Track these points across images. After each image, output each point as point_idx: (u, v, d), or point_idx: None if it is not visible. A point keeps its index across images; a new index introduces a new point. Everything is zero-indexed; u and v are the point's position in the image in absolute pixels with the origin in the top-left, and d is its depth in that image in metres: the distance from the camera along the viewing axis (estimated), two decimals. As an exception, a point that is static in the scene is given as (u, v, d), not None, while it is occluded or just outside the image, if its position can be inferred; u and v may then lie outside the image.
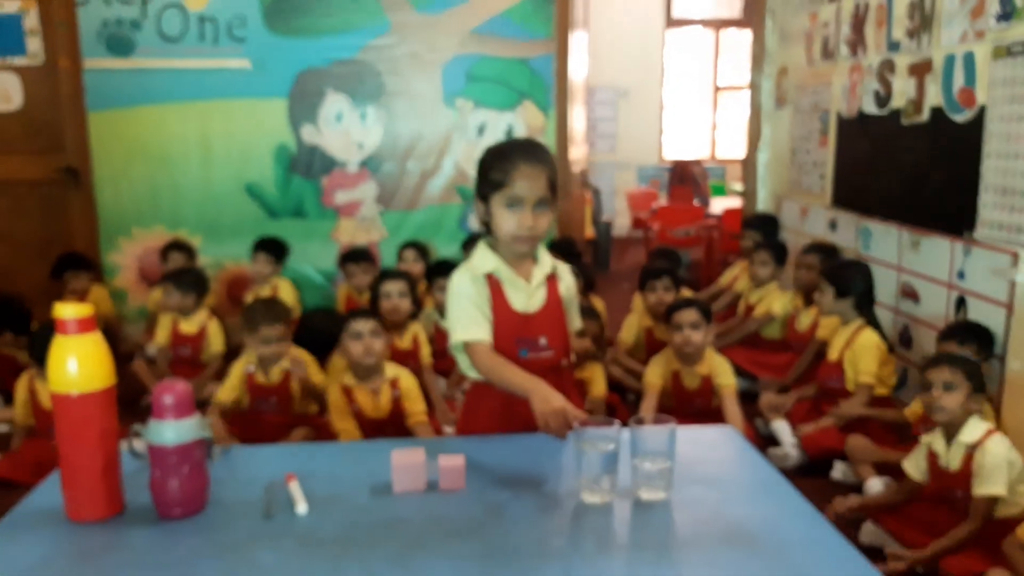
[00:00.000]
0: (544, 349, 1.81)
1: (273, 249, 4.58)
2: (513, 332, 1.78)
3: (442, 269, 3.97)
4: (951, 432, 2.38)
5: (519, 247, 1.79)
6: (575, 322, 1.97)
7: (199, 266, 4.60)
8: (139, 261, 4.94)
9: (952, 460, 2.38)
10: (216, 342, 4.13)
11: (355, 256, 4.57)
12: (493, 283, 1.80)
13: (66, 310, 1.34)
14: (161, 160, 4.83)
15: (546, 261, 1.85)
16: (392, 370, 3.05)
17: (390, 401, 3.00)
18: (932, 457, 2.44)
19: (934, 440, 2.44)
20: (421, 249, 4.63)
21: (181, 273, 4.20)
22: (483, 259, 1.81)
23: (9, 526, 1.36)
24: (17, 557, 1.26)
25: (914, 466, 2.50)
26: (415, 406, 3.03)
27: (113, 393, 1.39)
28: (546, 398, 1.56)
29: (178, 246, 4.69)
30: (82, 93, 4.72)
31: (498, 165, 1.76)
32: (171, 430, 1.35)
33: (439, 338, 3.86)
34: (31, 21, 4.71)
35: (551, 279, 1.86)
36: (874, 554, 2.50)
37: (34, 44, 4.74)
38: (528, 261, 1.84)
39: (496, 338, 1.78)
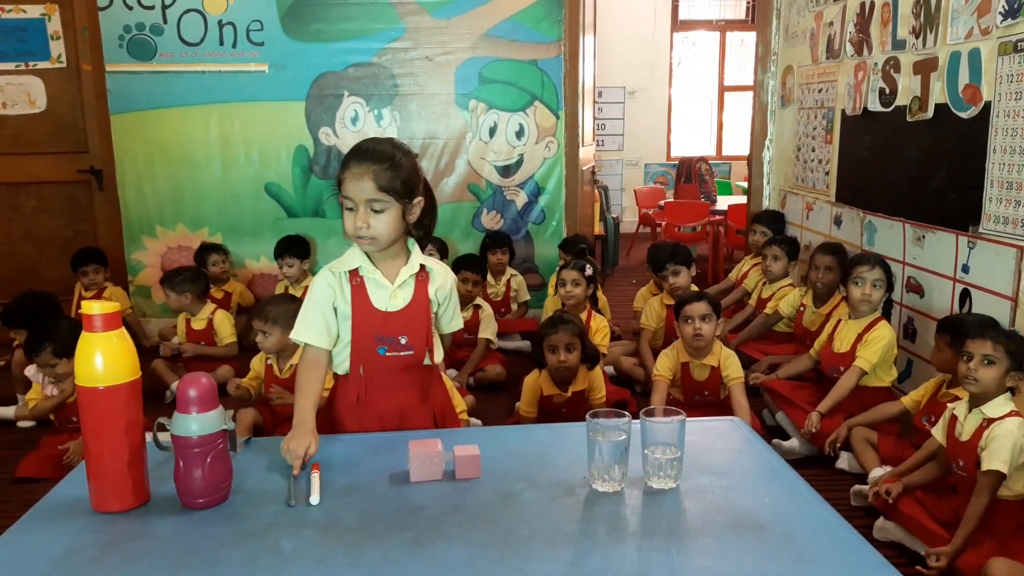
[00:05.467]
0: (404, 348, 1.81)
1: (296, 250, 4.68)
2: (372, 329, 1.80)
3: (464, 262, 4.36)
4: (977, 403, 2.36)
5: (361, 247, 1.80)
6: (453, 322, 1.98)
7: (195, 264, 4.68)
8: (162, 259, 5.04)
9: (966, 429, 2.37)
10: (224, 332, 4.19)
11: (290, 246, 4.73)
12: (357, 280, 1.81)
13: (92, 307, 1.37)
14: (182, 161, 4.91)
15: (415, 261, 1.84)
16: None
17: None
18: (952, 423, 2.43)
19: (958, 406, 2.43)
20: (439, 244, 4.72)
21: (173, 274, 4.27)
22: (351, 256, 1.83)
23: (35, 518, 1.38)
24: (44, 547, 1.28)
25: (941, 432, 2.48)
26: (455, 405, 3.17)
27: (138, 386, 1.42)
28: (292, 437, 1.60)
29: (211, 248, 4.82)
30: (105, 96, 4.80)
31: (341, 166, 1.77)
32: (195, 422, 1.38)
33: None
34: (54, 26, 4.80)
35: (420, 279, 1.85)
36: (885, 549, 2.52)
37: (57, 48, 4.83)
38: (398, 260, 1.84)
39: (355, 334, 1.80)
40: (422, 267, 1.86)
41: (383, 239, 1.76)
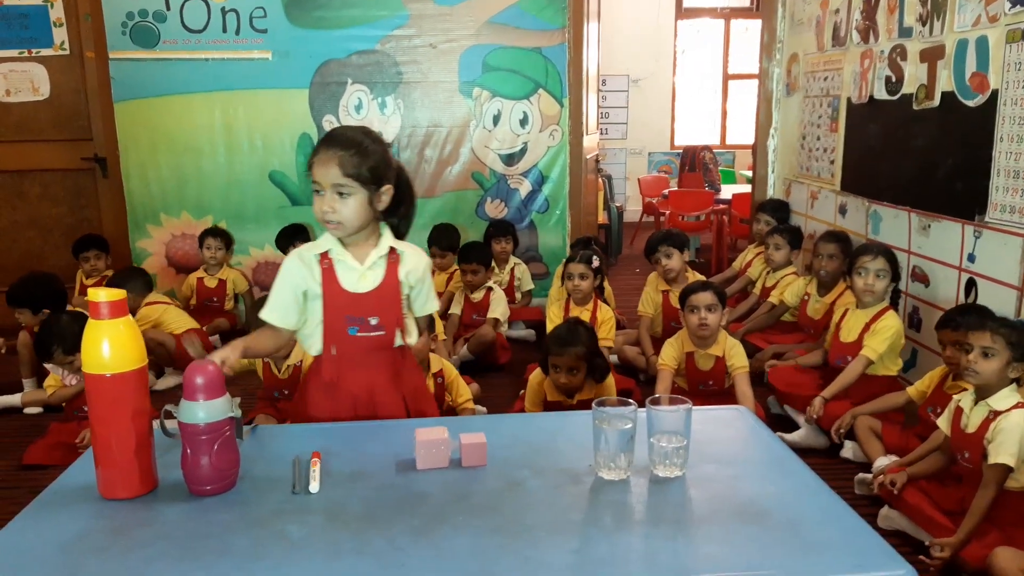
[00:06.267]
0: (375, 328, 1.86)
1: (304, 236, 4.66)
2: (342, 310, 1.84)
3: (469, 251, 4.41)
4: (982, 395, 2.34)
5: (329, 231, 1.84)
6: (427, 305, 1.99)
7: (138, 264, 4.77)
8: (167, 247, 5.05)
9: (972, 421, 2.35)
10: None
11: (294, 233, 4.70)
12: (327, 263, 1.85)
13: (99, 294, 1.37)
14: (186, 149, 4.92)
15: (384, 244, 1.88)
16: (436, 363, 3.24)
17: (435, 389, 3.19)
18: (957, 413, 2.42)
19: (964, 398, 2.41)
20: (452, 233, 4.76)
21: (111, 280, 4.26)
22: (324, 240, 1.87)
23: (43, 504, 1.39)
24: (52, 534, 1.28)
25: (946, 423, 2.46)
26: (460, 395, 3.25)
27: (145, 373, 1.43)
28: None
29: (211, 232, 4.82)
30: (108, 83, 4.80)
31: (312, 151, 1.82)
32: (202, 409, 1.39)
33: (466, 311, 4.39)
34: (56, 13, 4.79)
35: (391, 262, 1.88)
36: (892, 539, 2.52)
37: (60, 35, 4.82)
38: (368, 243, 1.88)
39: (326, 315, 1.85)
40: (392, 250, 1.89)
41: (349, 224, 1.80)
